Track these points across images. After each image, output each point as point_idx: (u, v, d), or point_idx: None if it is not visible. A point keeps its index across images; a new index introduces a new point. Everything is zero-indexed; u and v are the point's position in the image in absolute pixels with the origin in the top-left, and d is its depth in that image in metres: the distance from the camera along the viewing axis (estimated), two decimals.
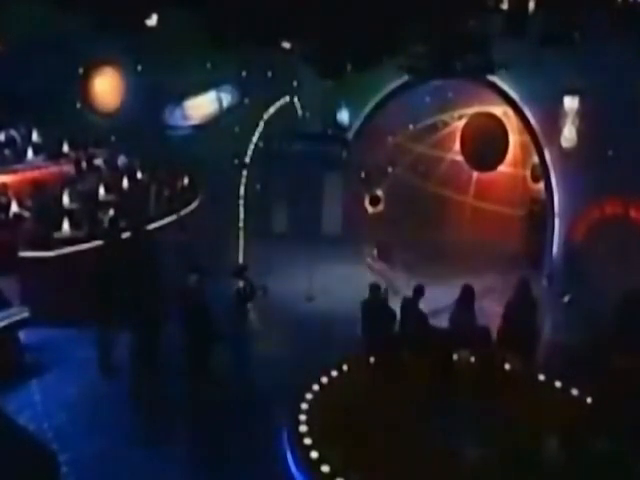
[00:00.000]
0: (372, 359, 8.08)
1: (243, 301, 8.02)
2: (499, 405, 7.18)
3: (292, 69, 14.52)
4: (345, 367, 8.05)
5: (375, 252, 10.36)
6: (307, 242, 12.72)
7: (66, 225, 9.93)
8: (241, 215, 13.70)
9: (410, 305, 8.49)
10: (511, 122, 14.71)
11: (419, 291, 8.54)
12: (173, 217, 11.22)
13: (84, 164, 12.48)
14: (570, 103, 12.26)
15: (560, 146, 12.60)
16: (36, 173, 11.76)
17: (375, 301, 8.39)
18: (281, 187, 15.10)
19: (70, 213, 10.31)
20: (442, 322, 8.51)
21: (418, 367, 7.74)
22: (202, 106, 15.32)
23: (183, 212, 11.68)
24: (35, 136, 12.60)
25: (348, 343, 8.79)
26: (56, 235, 9.88)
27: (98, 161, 13.03)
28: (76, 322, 8.65)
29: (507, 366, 8.14)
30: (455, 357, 7.95)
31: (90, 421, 7.44)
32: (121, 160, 13.42)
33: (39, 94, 12.68)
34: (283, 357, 8.94)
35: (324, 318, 10.46)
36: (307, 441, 6.61)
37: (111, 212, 10.79)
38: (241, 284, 8.35)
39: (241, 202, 13.91)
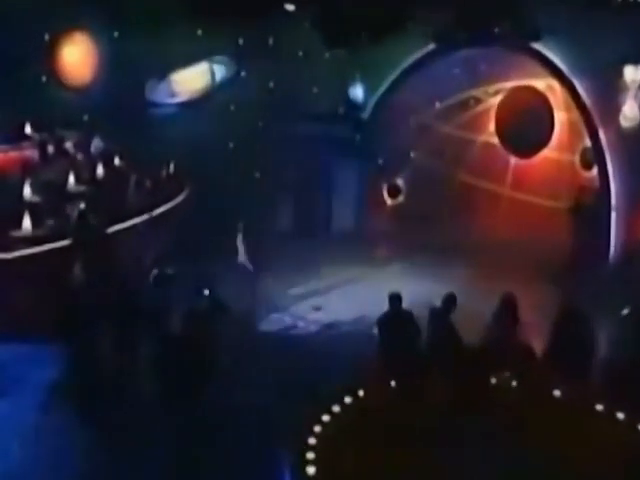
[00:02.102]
0: (393, 383, 7.76)
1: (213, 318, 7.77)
2: (547, 440, 6.93)
3: (297, 36, 14.49)
4: (361, 393, 7.67)
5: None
6: (315, 240, 13.27)
7: (27, 221, 9.79)
8: (238, 209, 13.37)
9: (439, 318, 8.29)
10: (557, 97, 14.64)
11: (450, 301, 8.32)
12: (148, 215, 11.15)
13: (50, 148, 12.23)
14: (632, 74, 12.19)
15: (618, 126, 12.55)
16: None
17: (396, 314, 8.22)
18: (284, 176, 15.09)
19: (32, 207, 10.14)
20: (476, 338, 8.34)
21: (448, 393, 7.49)
22: (191, 80, 15.28)
23: (162, 209, 11.59)
24: None
25: (365, 363, 8.55)
26: (14, 234, 9.75)
27: (67, 145, 12.74)
28: (35, 338, 8.47)
29: (556, 393, 7.83)
30: (493, 381, 7.71)
31: (51, 460, 7.15)
32: (95, 144, 13.33)
33: None
34: (286, 380, 8.67)
35: (335, 331, 10.52)
36: None
37: (81, 206, 10.62)
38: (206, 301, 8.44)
39: (238, 194, 13.80)
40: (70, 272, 9.14)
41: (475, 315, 8.86)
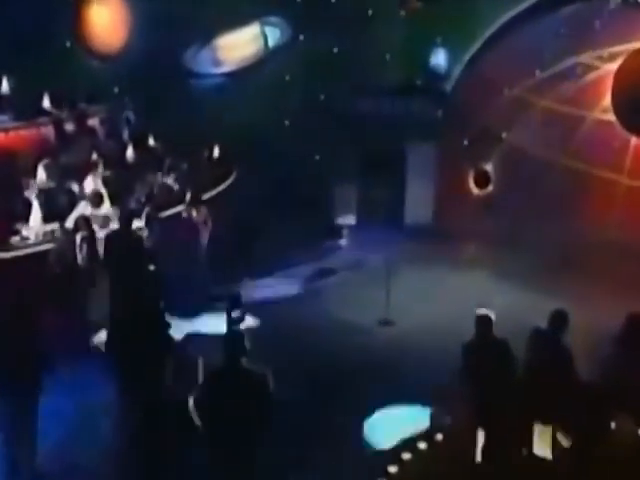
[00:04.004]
0: (481, 427, 7.43)
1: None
2: None
3: None
4: (439, 437, 7.71)
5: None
6: (384, 237, 12.74)
7: (37, 213, 9.51)
8: (292, 199, 13.50)
9: (545, 343, 7.63)
10: None
11: (559, 320, 7.63)
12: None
13: (71, 126, 12.15)
14: None
15: None
16: (1, 137, 11.43)
17: (485, 340, 7.56)
18: (349, 160, 14.84)
19: (45, 196, 9.91)
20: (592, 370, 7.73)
21: (555, 441, 7.21)
22: (239, 46, 15.22)
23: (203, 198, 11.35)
24: (4, 86, 12.23)
25: (444, 399, 8.10)
26: (20, 228, 9.46)
27: (92, 122, 12.70)
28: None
29: None
30: (613, 426, 7.40)
31: None
32: (126, 121, 13.25)
33: (13, 28, 12.41)
34: (345, 418, 8.18)
35: (408, 354, 9.83)
36: None
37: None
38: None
39: (293, 180, 13.68)
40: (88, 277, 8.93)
41: (590, 340, 8.53)
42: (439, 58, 14.94)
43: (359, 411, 8.29)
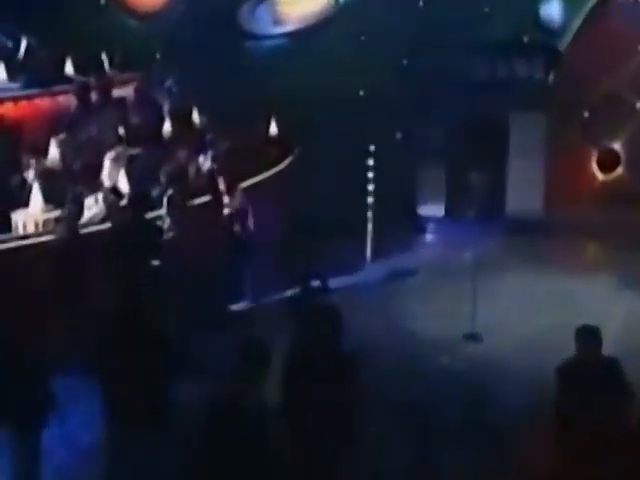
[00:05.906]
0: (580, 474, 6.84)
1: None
2: None
3: None
4: None
5: None
6: (478, 232, 12.47)
7: (37, 197, 9.23)
8: (368, 185, 13.41)
9: None
10: None
11: None
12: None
13: (95, 95, 12.01)
14: None
15: None
16: (8, 107, 11.43)
17: (589, 362, 7.07)
18: (437, 137, 14.70)
19: (49, 176, 9.67)
20: None
21: None
22: (303, 0, 15.22)
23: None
24: (23, 48, 12.40)
25: (539, 435, 7.61)
26: (16, 215, 9.30)
27: (125, 91, 12.64)
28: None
29: None
30: None
31: None
32: (166, 90, 13.18)
33: None
34: (419, 451, 7.76)
35: (498, 377, 9.38)
36: None
37: (121, 177, 10.01)
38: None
39: (369, 163, 13.57)
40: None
41: None
42: (552, 8, 14.73)
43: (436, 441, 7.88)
